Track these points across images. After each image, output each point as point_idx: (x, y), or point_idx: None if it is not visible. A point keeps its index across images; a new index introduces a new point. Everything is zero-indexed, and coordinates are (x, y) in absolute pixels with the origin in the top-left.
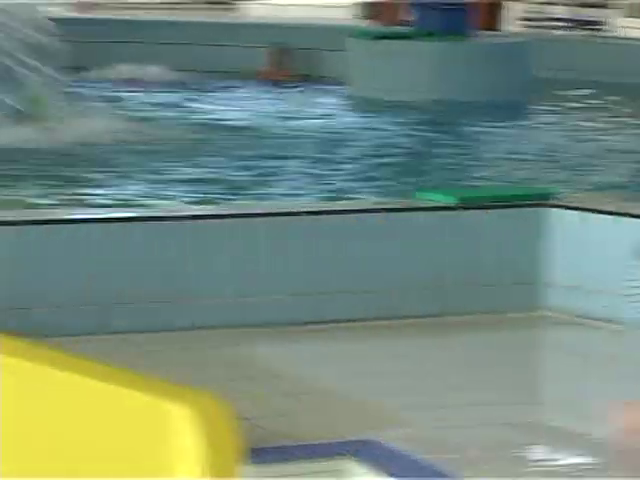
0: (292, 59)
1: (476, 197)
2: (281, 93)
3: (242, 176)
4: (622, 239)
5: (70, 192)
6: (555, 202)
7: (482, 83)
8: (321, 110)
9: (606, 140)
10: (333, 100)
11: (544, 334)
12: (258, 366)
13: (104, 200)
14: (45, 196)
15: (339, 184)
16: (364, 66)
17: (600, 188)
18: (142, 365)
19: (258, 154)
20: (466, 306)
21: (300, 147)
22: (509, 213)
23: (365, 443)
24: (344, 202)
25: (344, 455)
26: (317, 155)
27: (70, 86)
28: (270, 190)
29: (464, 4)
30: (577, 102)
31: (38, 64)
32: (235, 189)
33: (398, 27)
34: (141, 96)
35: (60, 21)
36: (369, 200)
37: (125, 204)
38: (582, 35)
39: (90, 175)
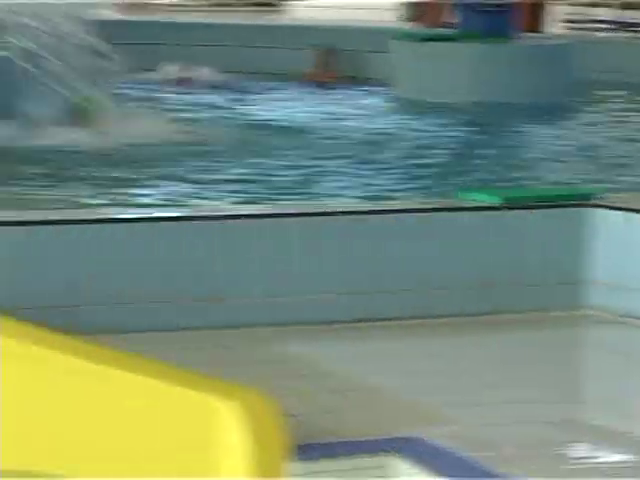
0: (338, 61)
1: (520, 197)
2: (326, 94)
3: (287, 176)
4: None
5: (118, 192)
6: (598, 202)
7: (525, 85)
8: (366, 111)
9: None
10: (377, 102)
11: (587, 333)
12: (304, 364)
13: (152, 200)
14: (93, 196)
15: (383, 184)
16: (408, 68)
17: None
18: (187, 362)
19: (303, 154)
20: (509, 305)
21: (344, 148)
22: (553, 213)
23: (409, 440)
24: (384, 202)
25: (388, 452)
26: (361, 156)
27: (119, 88)
28: (314, 190)
29: (507, 6)
30: (619, 103)
31: (87, 66)
32: (280, 189)
33: (441, 29)
34: (189, 97)
35: (108, 23)
36: (412, 200)
37: (172, 204)
38: (625, 37)
39: (137, 175)
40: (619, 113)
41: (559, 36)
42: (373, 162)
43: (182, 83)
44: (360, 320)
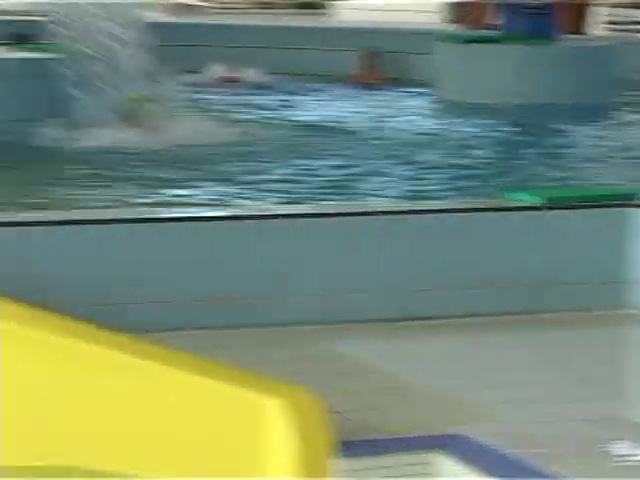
0: (382, 63)
1: (563, 197)
2: (371, 96)
3: (332, 176)
4: None
5: (164, 192)
6: None
7: (567, 86)
8: (409, 112)
9: None
10: (421, 103)
11: (629, 332)
12: (348, 362)
13: (197, 200)
14: (140, 196)
15: (425, 185)
16: (451, 69)
17: None
18: (234, 360)
19: (348, 155)
20: (552, 305)
21: (388, 148)
22: (596, 213)
23: (453, 437)
24: (424, 202)
25: (433, 449)
26: (404, 156)
27: (167, 89)
28: (358, 190)
29: (550, 8)
30: None
31: (136, 67)
32: (324, 189)
33: (485, 31)
34: (235, 98)
35: (156, 25)
36: (453, 200)
37: (217, 204)
38: None
39: (184, 175)
40: None
41: (601, 38)
42: (416, 162)
43: (229, 84)
44: (402, 319)
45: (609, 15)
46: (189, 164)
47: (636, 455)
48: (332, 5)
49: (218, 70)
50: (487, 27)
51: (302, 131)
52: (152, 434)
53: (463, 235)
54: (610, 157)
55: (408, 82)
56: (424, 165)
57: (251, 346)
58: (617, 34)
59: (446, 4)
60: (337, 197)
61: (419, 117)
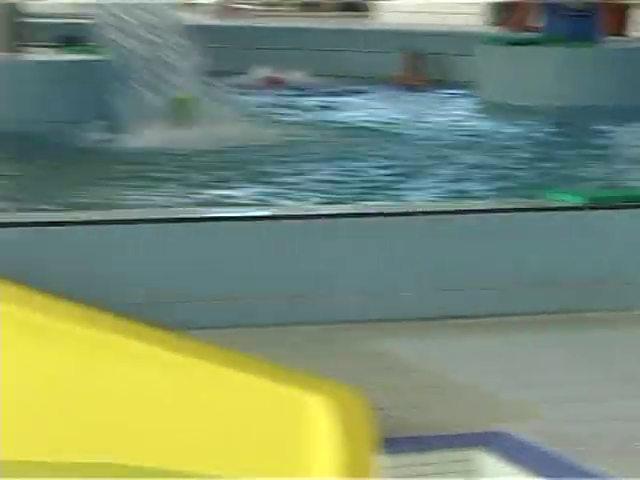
0: (425, 64)
1: (605, 197)
2: (414, 97)
3: (376, 177)
4: None
5: (211, 192)
6: None
7: (609, 88)
8: (452, 114)
9: None
10: (463, 104)
11: None
12: (390, 359)
13: (241, 200)
14: (186, 196)
15: (468, 185)
16: (494, 71)
17: None
18: (281, 358)
19: (391, 156)
20: (594, 304)
21: (431, 149)
22: (638, 213)
23: (495, 435)
24: (466, 202)
25: (475, 446)
26: (447, 157)
27: (213, 90)
28: (401, 191)
29: (592, 10)
30: None
31: (182, 69)
32: (369, 189)
33: (527, 33)
34: (280, 99)
35: (202, 27)
36: (495, 200)
37: (261, 204)
38: None
39: (229, 175)
40: None
41: None
42: (458, 163)
43: (273, 86)
44: (442, 318)
45: None
46: (234, 164)
47: None
48: (375, 7)
49: (263, 72)
50: (529, 29)
51: (346, 132)
52: (197, 431)
53: (504, 235)
54: None
55: (450, 84)
56: (466, 166)
57: (293, 344)
58: None
59: (489, 6)
60: (380, 197)
61: (461, 118)
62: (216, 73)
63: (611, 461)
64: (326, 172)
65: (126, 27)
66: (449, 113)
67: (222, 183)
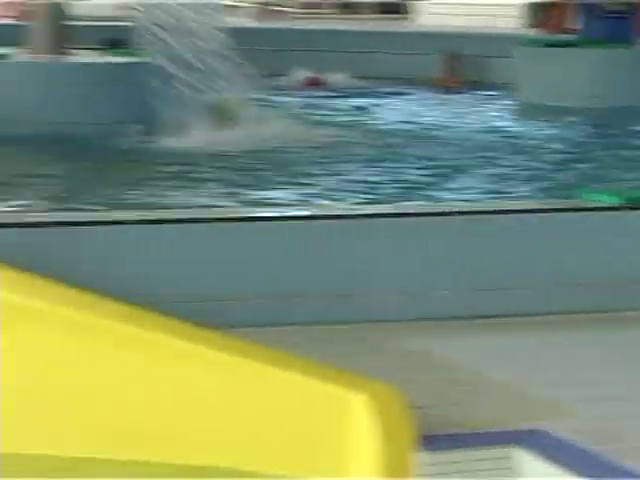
0: (463, 66)
1: None
2: (453, 99)
3: (415, 177)
4: None
5: (252, 193)
6: None
7: None
8: (490, 115)
9: None
10: (501, 106)
11: None
12: (430, 358)
13: (282, 200)
14: (227, 196)
15: (506, 185)
16: (531, 72)
17: None
18: (319, 355)
19: (431, 156)
20: (630, 304)
21: (469, 149)
22: None
23: (533, 432)
24: (503, 202)
25: (512, 444)
26: (484, 157)
27: (254, 91)
28: (440, 191)
29: (628, 12)
30: None
31: (223, 70)
32: (408, 190)
33: (564, 35)
34: (320, 101)
35: (243, 30)
36: (533, 200)
37: (302, 204)
38: None
39: (270, 176)
40: None
41: None
42: (495, 163)
43: (314, 87)
44: (480, 317)
45: None
46: (274, 165)
47: None
48: (414, 9)
49: (303, 73)
50: (567, 31)
51: (385, 133)
52: (240, 429)
53: (541, 235)
54: None
55: (488, 85)
56: (504, 166)
57: (329, 343)
58: None
59: (527, 9)
60: (418, 198)
61: (499, 119)
62: (257, 75)
63: None
64: (365, 172)
65: (168, 29)
66: (487, 114)
67: (261, 183)
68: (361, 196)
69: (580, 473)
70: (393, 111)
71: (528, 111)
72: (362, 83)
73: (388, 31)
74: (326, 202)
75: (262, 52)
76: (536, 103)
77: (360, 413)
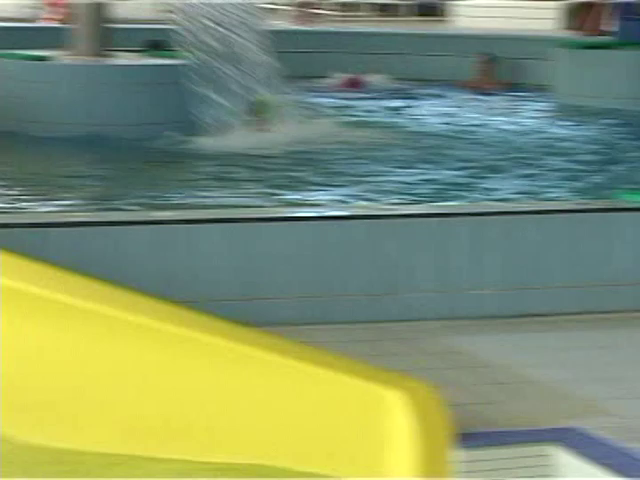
0: (499, 68)
1: None
2: (490, 100)
3: (452, 178)
4: None
5: (291, 193)
6: None
7: None
8: (527, 116)
9: None
10: (538, 107)
11: None
12: (466, 356)
13: (322, 201)
14: (268, 197)
15: (544, 186)
16: (569, 74)
17: None
18: (359, 354)
19: (469, 158)
20: None
21: (507, 151)
22: None
23: (569, 430)
24: (544, 202)
25: (549, 441)
26: (522, 158)
27: (293, 93)
28: (477, 192)
29: None
30: None
31: (262, 72)
32: (444, 190)
33: (600, 37)
34: (358, 102)
35: (282, 32)
36: (571, 201)
37: (343, 204)
38: None
39: (309, 177)
40: None
41: None
42: (533, 164)
43: (353, 89)
44: (520, 315)
45: None
46: (313, 166)
47: None
48: (451, 12)
49: (342, 75)
50: (603, 33)
51: (421, 134)
52: (279, 427)
53: (580, 235)
54: None
55: (524, 87)
56: (543, 167)
57: (369, 341)
58: None
59: (563, 11)
60: (454, 198)
61: (535, 120)
62: (297, 76)
63: None
64: (402, 173)
65: (208, 31)
66: (524, 115)
67: (301, 183)
68: (398, 196)
69: (614, 470)
70: (430, 112)
71: (565, 112)
72: (400, 85)
73: (425, 33)
74: (364, 202)
75: (301, 54)
76: (573, 104)
77: (397, 411)
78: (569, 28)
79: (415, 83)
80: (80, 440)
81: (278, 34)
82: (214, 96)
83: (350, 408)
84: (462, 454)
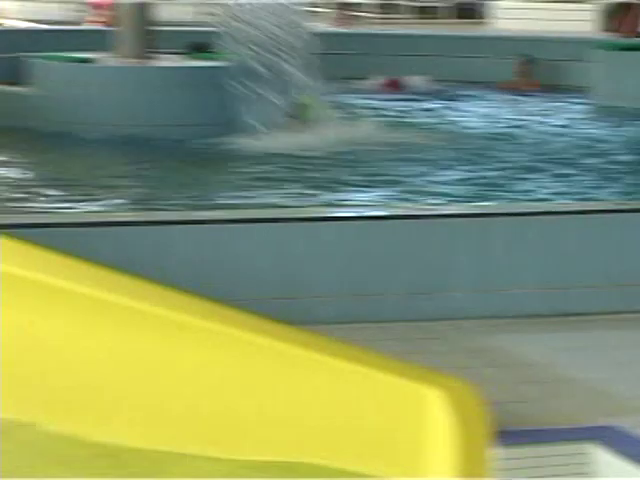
0: (538, 70)
1: None
2: (528, 102)
3: (493, 179)
4: None
5: (331, 194)
6: None
7: None
8: (566, 118)
9: None
10: (576, 108)
11: None
12: (506, 354)
13: (362, 202)
14: (309, 197)
15: (583, 186)
16: (606, 76)
17: None
18: (395, 352)
19: (508, 159)
20: None
21: (546, 152)
22: None
23: (608, 429)
24: (582, 203)
25: (588, 439)
26: (561, 159)
27: (334, 94)
28: (518, 193)
29: None
30: None
31: (303, 74)
32: (485, 190)
33: (637, 39)
34: (398, 104)
35: (323, 34)
36: (609, 201)
37: (383, 205)
38: None
39: (349, 178)
40: None
41: None
42: (573, 165)
43: (393, 90)
44: (559, 314)
45: None
46: (355, 167)
47: None
48: (490, 14)
49: (382, 77)
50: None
51: (461, 135)
52: (319, 425)
53: (621, 235)
54: None
55: (562, 88)
56: (582, 168)
57: (409, 339)
58: None
59: (601, 13)
60: (495, 198)
61: (574, 122)
62: (338, 78)
63: None
64: (443, 173)
65: (250, 33)
66: (563, 117)
67: (342, 184)
68: (439, 196)
69: None
70: (469, 114)
71: (602, 114)
72: (440, 86)
73: (465, 35)
74: (405, 203)
75: (342, 56)
76: (610, 106)
77: (437, 409)
78: (607, 30)
79: (454, 85)
80: (123, 435)
81: (320, 36)
82: (256, 98)
83: (390, 406)
84: (501, 452)
